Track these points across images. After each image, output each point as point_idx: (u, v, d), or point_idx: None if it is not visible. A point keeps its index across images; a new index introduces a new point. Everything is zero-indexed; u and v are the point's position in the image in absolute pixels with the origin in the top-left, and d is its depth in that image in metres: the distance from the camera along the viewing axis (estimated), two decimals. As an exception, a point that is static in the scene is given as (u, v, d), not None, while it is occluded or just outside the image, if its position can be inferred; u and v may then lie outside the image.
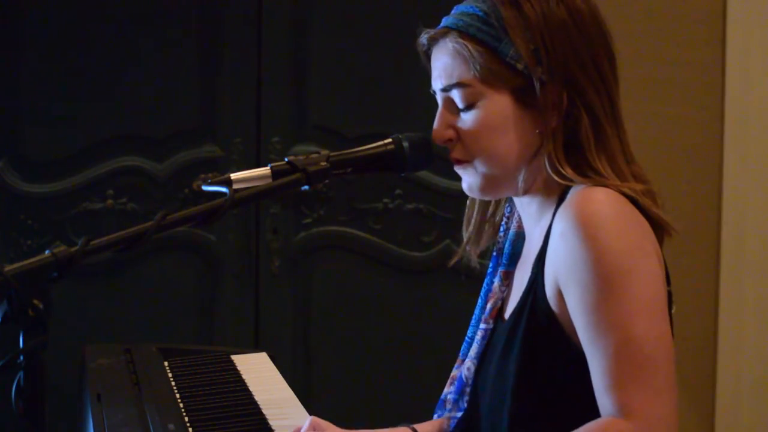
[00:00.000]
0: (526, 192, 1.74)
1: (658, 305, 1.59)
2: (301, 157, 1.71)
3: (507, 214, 1.85)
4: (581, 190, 1.63)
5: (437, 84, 1.74)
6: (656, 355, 1.55)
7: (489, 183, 1.73)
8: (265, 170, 1.69)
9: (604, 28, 1.72)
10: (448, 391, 1.85)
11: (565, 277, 1.60)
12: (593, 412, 1.60)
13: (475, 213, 1.86)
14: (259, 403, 2.04)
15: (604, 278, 1.56)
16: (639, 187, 1.66)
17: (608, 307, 1.56)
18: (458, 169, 1.74)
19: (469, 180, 1.74)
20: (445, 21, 1.73)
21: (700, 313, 3.73)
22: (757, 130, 3.73)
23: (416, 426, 1.90)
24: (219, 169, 3.58)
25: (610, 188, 1.63)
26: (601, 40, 1.71)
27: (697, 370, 3.72)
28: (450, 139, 1.73)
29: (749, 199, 3.73)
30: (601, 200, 1.61)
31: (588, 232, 1.58)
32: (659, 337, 1.56)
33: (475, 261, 1.87)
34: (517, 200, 1.79)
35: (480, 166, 1.71)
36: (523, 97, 1.68)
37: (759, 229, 3.74)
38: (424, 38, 1.75)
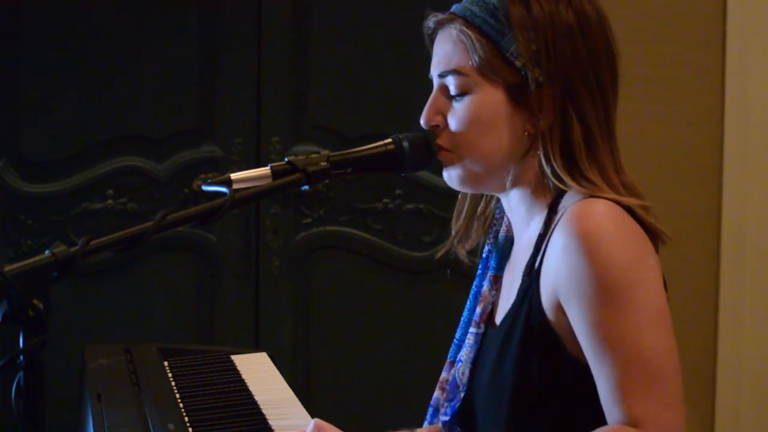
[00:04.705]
0: (512, 191, 1.73)
1: (664, 317, 1.58)
2: (301, 157, 1.70)
3: (497, 216, 1.85)
4: (580, 203, 1.62)
5: (435, 69, 1.74)
6: (665, 367, 1.55)
7: (469, 176, 1.72)
8: (265, 170, 1.69)
9: (612, 40, 1.71)
10: (439, 396, 1.85)
11: (567, 292, 1.59)
12: (591, 421, 1.60)
13: (465, 207, 1.86)
14: (259, 403, 2.04)
15: (610, 293, 1.56)
16: (636, 201, 1.65)
17: (615, 321, 1.56)
18: (441, 158, 1.74)
19: (450, 171, 1.74)
20: (455, 8, 1.73)
21: (700, 313, 3.74)
22: (757, 130, 3.73)
23: (417, 431, 1.90)
24: (219, 169, 3.58)
25: (608, 200, 1.63)
26: (606, 51, 1.70)
27: (697, 370, 3.72)
28: (437, 125, 1.73)
29: (749, 199, 3.74)
30: (602, 213, 1.60)
31: (591, 247, 1.57)
32: (667, 350, 1.56)
33: (463, 255, 1.87)
34: (505, 202, 1.78)
35: (463, 158, 1.71)
36: (517, 95, 1.68)
37: (759, 229, 3.74)
38: (431, 21, 1.76)
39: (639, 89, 3.59)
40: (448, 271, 1.83)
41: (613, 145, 1.70)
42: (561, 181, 1.66)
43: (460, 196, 1.87)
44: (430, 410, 1.86)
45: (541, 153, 1.68)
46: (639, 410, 1.54)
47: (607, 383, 1.56)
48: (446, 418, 1.81)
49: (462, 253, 1.87)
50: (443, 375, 1.85)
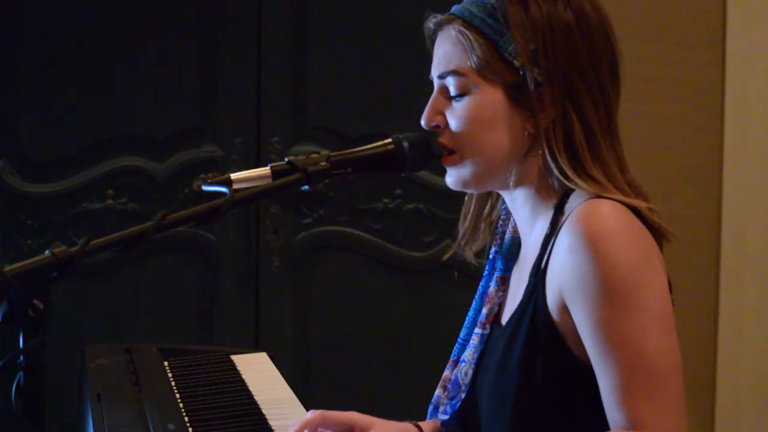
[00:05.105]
0: (516, 190, 1.73)
1: (668, 319, 1.59)
2: (301, 157, 1.71)
3: (503, 217, 1.85)
4: (586, 203, 1.62)
5: (435, 70, 1.75)
6: (667, 369, 1.56)
7: (472, 175, 1.72)
8: (265, 170, 1.69)
9: (612, 39, 1.71)
10: (440, 394, 1.85)
11: (573, 292, 1.60)
12: (594, 423, 1.60)
13: (472, 208, 1.86)
14: (259, 403, 2.03)
15: (615, 293, 1.56)
16: (642, 204, 1.65)
17: (619, 322, 1.56)
18: (445, 163, 1.74)
19: (453, 173, 1.74)
20: (454, 8, 1.74)
21: (700, 313, 3.73)
22: (757, 130, 3.73)
23: (420, 423, 1.90)
24: (219, 169, 3.58)
25: (614, 200, 1.63)
26: (606, 50, 1.70)
27: (697, 370, 3.72)
28: (438, 125, 1.74)
29: (749, 199, 3.73)
30: (609, 214, 1.60)
31: (597, 248, 1.57)
32: (669, 351, 1.57)
33: (470, 257, 1.87)
34: (509, 202, 1.78)
35: (465, 159, 1.72)
36: (516, 94, 1.68)
37: (759, 229, 3.74)
38: (431, 23, 1.76)
39: (639, 89, 3.59)
40: (455, 273, 1.84)
41: (615, 144, 1.70)
42: (567, 178, 1.66)
43: (466, 198, 1.87)
44: (431, 408, 1.87)
45: (546, 151, 1.68)
46: (640, 412, 1.54)
47: (609, 384, 1.57)
48: (446, 417, 1.81)
49: (469, 255, 1.87)
50: (446, 373, 1.85)
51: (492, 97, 1.69)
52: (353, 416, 1.88)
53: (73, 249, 1.44)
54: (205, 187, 1.67)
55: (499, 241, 1.84)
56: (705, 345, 3.74)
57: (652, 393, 1.54)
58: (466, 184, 1.75)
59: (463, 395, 1.78)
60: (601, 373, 1.58)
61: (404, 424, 1.91)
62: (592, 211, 1.61)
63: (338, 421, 1.85)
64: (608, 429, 1.58)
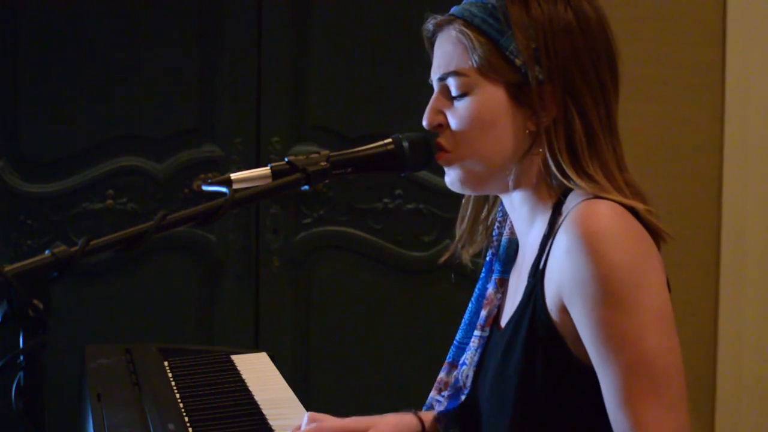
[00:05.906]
0: (515, 191, 1.73)
1: (667, 318, 1.59)
2: (301, 157, 1.71)
3: (499, 219, 1.85)
4: (584, 204, 1.62)
5: (435, 73, 1.74)
6: (668, 368, 1.56)
7: (471, 176, 1.73)
8: (265, 170, 1.69)
9: (611, 39, 1.72)
10: (435, 396, 1.85)
11: (571, 293, 1.60)
12: (595, 424, 1.60)
13: (468, 211, 1.86)
14: (259, 403, 2.04)
15: (614, 294, 1.56)
16: (639, 205, 1.65)
17: (619, 322, 1.56)
18: (441, 161, 1.74)
19: (450, 172, 1.74)
20: (454, 9, 1.74)
21: (700, 313, 3.74)
22: (757, 130, 3.73)
23: (421, 414, 1.90)
24: (219, 169, 3.58)
25: (611, 201, 1.63)
26: (605, 49, 1.71)
27: (697, 370, 3.72)
28: (440, 125, 1.73)
29: (749, 199, 3.74)
30: (606, 214, 1.60)
31: (595, 248, 1.57)
32: (670, 351, 1.57)
33: (467, 260, 1.87)
34: (507, 203, 1.78)
35: (464, 158, 1.72)
36: (517, 93, 1.69)
37: (759, 229, 3.74)
38: (430, 24, 1.76)
39: (639, 89, 3.59)
40: (453, 275, 1.84)
41: (615, 142, 1.70)
42: (566, 176, 1.66)
43: (463, 201, 1.87)
44: (425, 410, 1.87)
45: (546, 149, 1.68)
46: (642, 413, 1.54)
47: (611, 385, 1.57)
48: (442, 409, 1.80)
49: (466, 257, 1.87)
50: (441, 375, 1.85)
51: (494, 96, 1.69)
52: (350, 422, 1.87)
53: (73, 249, 1.44)
54: (205, 187, 1.66)
55: (495, 244, 1.84)
56: (705, 345, 3.74)
57: (654, 393, 1.54)
58: (464, 184, 1.75)
59: (463, 397, 1.78)
60: (602, 374, 1.58)
61: (403, 416, 1.91)
62: (590, 211, 1.61)
63: (336, 430, 1.85)
64: (610, 430, 1.58)
